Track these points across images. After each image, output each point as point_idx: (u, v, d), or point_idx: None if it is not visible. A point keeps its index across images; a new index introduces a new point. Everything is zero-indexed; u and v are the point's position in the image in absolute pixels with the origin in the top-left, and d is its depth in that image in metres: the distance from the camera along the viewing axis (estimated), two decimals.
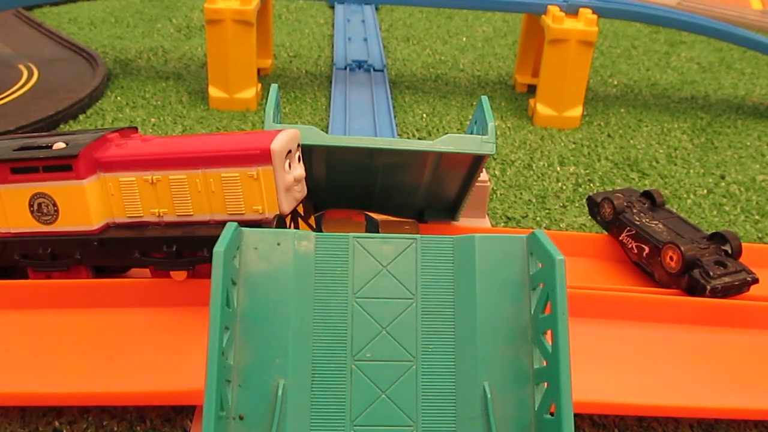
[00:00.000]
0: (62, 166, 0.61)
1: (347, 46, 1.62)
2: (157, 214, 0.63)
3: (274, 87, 0.73)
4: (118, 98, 1.28)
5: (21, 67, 1.37)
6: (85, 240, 0.63)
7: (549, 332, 0.45)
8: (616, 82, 1.55)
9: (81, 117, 1.20)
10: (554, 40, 1.24)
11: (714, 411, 0.61)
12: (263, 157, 0.59)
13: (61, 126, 1.16)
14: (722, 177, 1.14)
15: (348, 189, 0.76)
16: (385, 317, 0.48)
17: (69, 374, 0.58)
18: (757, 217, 1.02)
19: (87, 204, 0.62)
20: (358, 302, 0.48)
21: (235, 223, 0.47)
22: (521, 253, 0.49)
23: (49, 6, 1.80)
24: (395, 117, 1.27)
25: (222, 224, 0.59)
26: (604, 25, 1.94)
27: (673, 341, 0.66)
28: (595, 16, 1.24)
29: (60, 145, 0.62)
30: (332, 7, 1.94)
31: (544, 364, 0.46)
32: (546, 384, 0.45)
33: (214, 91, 1.26)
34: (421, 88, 1.44)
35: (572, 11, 1.26)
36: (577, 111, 1.29)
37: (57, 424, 0.58)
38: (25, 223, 0.64)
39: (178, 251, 0.62)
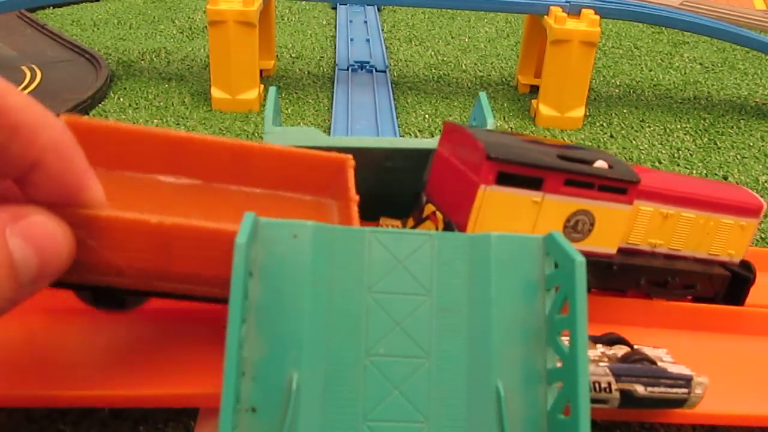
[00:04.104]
0: (619, 189, 0.61)
1: (350, 47, 1.63)
2: (652, 245, 0.67)
3: (272, 90, 0.72)
4: (121, 99, 1.29)
5: (24, 68, 1.37)
6: (600, 263, 0.63)
7: (563, 333, 0.45)
8: (618, 83, 1.55)
9: (84, 118, 1.20)
10: (557, 40, 1.24)
11: (715, 417, 0.61)
12: (756, 212, 0.70)
13: None
14: (725, 177, 1.14)
15: None
16: (400, 313, 0.47)
17: (73, 376, 0.58)
18: None
19: (621, 228, 0.63)
20: (373, 297, 0.47)
21: (253, 213, 0.47)
22: (537, 254, 0.48)
23: (51, 8, 1.81)
24: (398, 118, 1.27)
25: (698, 261, 0.69)
26: (607, 26, 1.94)
27: (675, 347, 0.66)
28: (597, 17, 1.24)
29: (602, 163, 0.61)
30: (335, 8, 1.94)
31: (558, 364, 0.45)
32: (559, 384, 0.45)
33: (216, 93, 1.26)
34: (424, 88, 1.44)
35: (575, 12, 1.26)
36: (579, 111, 1.29)
37: (61, 425, 0.58)
38: None
39: (667, 282, 0.67)
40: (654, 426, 0.62)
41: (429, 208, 0.64)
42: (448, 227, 0.60)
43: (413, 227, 0.66)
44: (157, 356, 0.60)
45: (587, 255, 0.58)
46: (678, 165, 1.17)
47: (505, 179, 0.58)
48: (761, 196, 1.07)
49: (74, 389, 0.57)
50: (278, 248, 0.47)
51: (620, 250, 0.65)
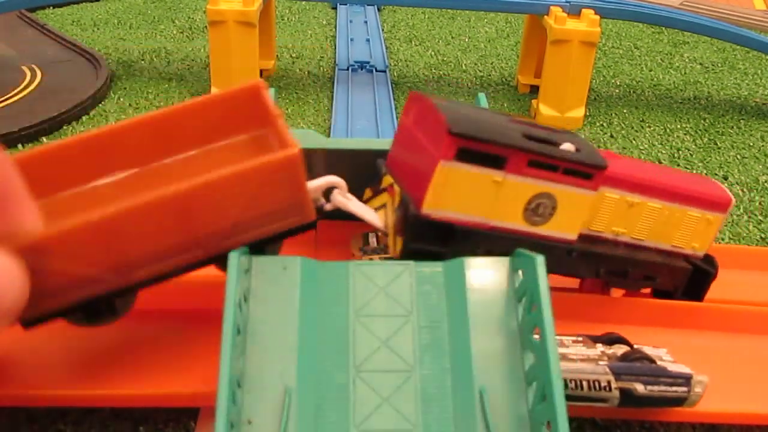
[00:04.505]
0: (584, 174, 0.58)
1: (350, 47, 1.63)
2: (615, 233, 0.65)
3: (270, 91, 0.72)
4: (121, 99, 1.29)
5: (24, 68, 1.38)
6: (558, 248, 0.60)
7: (536, 331, 0.48)
8: (618, 83, 1.55)
9: (84, 118, 1.20)
10: (557, 40, 1.24)
11: (715, 415, 0.61)
12: (724, 206, 0.68)
13: (65, 127, 1.16)
14: (725, 177, 1.14)
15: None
16: (385, 333, 0.50)
17: (74, 375, 0.58)
18: (760, 217, 1.02)
19: (583, 214, 0.60)
20: (359, 320, 0.51)
21: (238, 252, 0.50)
22: (507, 271, 0.52)
23: (52, 8, 1.81)
24: (397, 118, 1.27)
25: (660, 253, 0.68)
26: (607, 26, 1.94)
27: (675, 345, 0.66)
28: (597, 17, 1.24)
29: (569, 146, 0.58)
30: (335, 8, 1.94)
31: (535, 358, 0.48)
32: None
33: (216, 92, 1.26)
34: (424, 89, 1.44)
35: (575, 12, 1.26)
36: (579, 111, 1.29)
37: (61, 424, 0.59)
38: (511, 219, 0.58)
39: (627, 272, 0.66)
40: (654, 425, 0.62)
41: (387, 180, 0.62)
42: (404, 203, 0.57)
43: (369, 199, 0.63)
44: (158, 356, 0.60)
45: (546, 240, 0.60)
46: (678, 165, 1.17)
47: (466, 156, 0.54)
48: (761, 197, 1.07)
49: (75, 389, 0.57)
50: (270, 278, 0.51)
51: (582, 237, 0.62)
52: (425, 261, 0.53)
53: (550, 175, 0.57)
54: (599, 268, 0.65)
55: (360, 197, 0.72)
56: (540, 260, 0.48)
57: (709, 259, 0.70)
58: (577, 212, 0.60)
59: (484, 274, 0.52)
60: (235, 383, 0.45)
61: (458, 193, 0.55)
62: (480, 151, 0.54)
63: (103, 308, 0.54)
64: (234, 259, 0.47)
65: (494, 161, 0.55)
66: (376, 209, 0.61)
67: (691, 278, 0.70)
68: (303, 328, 0.49)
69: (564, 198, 0.58)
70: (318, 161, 0.69)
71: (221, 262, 0.54)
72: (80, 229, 0.46)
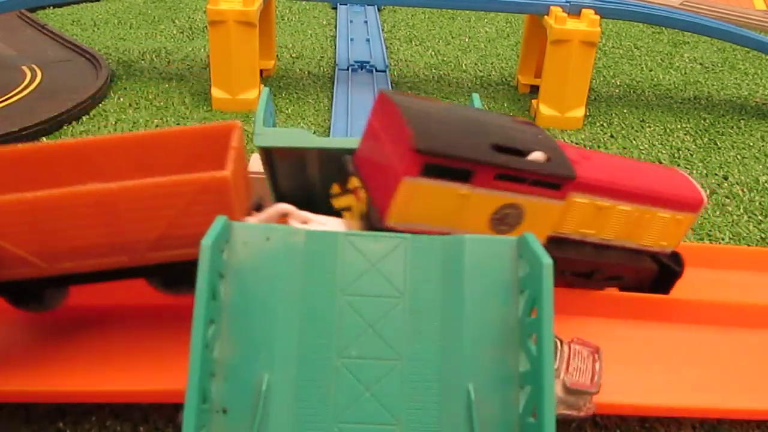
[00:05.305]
0: (552, 184, 0.56)
1: (350, 47, 1.63)
2: (582, 234, 0.63)
3: (265, 91, 0.71)
4: (121, 99, 1.29)
5: (24, 68, 1.38)
6: None
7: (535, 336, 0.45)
8: (618, 83, 1.55)
9: (84, 118, 1.20)
10: (557, 40, 1.24)
11: (716, 411, 0.61)
12: (695, 206, 0.66)
13: (65, 127, 1.16)
14: (725, 178, 1.14)
15: None
16: (373, 315, 0.47)
17: (72, 372, 0.58)
18: (760, 217, 1.02)
19: (551, 222, 0.59)
20: (346, 299, 0.48)
21: (225, 217, 0.47)
22: (511, 256, 0.48)
23: (52, 7, 1.81)
24: None
25: (627, 251, 0.67)
26: (607, 26, 1.94)
27: (675, 340, 0.66)
28: (597, 17, 1.24)
29: (538, 155, 0.56)
30: (335, 8, 1.94)
31: (530, 367, 0.45)
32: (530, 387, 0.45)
33: (216, 92, 1.26)
34: (424, 88, 1.44)
35: (575, 12, 1.26)
36: (579, 111, 1.29)
37: (60, 424, 0.59)
38: (477, 228, 0.56)
39: (593, 273, 0.65)
40: (654, 425, 0.62)
41: (354, 182, 0.59)
42: (369, 212, 0.55)
43: (337, 195, 0.61)
44: (158, 353, 0.60)
45: None
46: (678, 165, 1.17)
47: (431, 171, 0.53)
48: (761, 197, 1.07)
49: (75, 386, 0.57)
50: (251, 250, 0.47)
51: (548, 239, 0.61)
52: (422, 235, 0.50)
53: (517, 186, 0.55)
54: (564, 271, 0.64)
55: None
56: (548, 264, 0.44)
57: (675, 257, 0.69)
58: (545, 221, 0.58)
59: (486, 257, 0.48)
60: (208, 369, 0.43)
61: (423, 206, 0.54)
62: (446, 166, 0.53)
63: (31, 295, 0.58)
64: (205, 251, 0.43)
65: (461, 175, 0.53)
66: (342, 209, 0.60)
67: (657, 276, 0.69)
68: (285, 307, 0.46)
69: (531, 208, 0.57)
70: (311, 161, 0.69)
71: (149, 276, 0.59)
72: (10, 203, 0.50)
